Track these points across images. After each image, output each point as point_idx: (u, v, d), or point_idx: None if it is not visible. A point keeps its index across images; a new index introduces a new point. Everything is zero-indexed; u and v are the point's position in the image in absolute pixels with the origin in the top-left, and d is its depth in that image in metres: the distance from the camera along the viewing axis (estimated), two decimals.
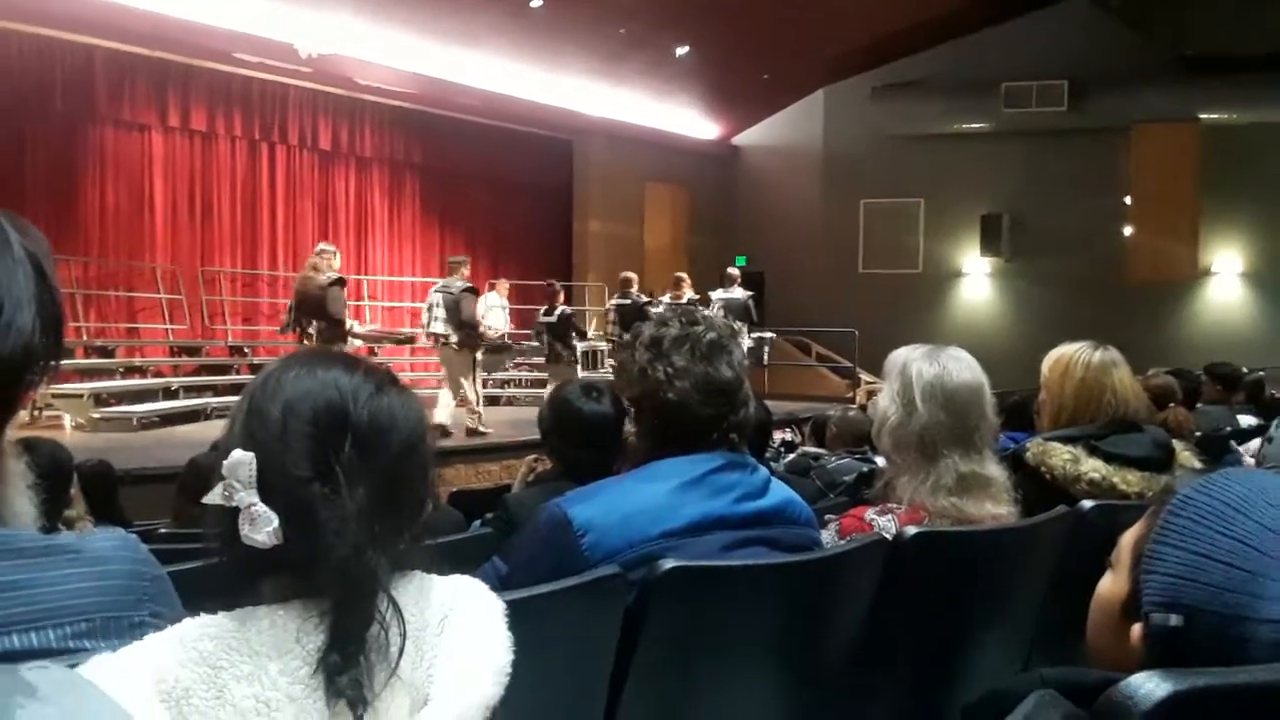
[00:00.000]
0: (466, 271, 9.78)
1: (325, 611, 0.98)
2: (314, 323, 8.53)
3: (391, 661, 0.97)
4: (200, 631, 0.97)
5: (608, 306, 11.59)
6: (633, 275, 11.40)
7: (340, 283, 8.68)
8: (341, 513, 0.99)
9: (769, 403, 5.13)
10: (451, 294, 9.36)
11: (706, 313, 1.87)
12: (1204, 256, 15.27)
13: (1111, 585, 1.04)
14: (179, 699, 0.93)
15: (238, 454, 0.99)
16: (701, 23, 12.99)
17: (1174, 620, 0.90)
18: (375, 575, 0.99)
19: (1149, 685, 0.79)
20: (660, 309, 10.01)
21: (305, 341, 8.49)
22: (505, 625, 1.04)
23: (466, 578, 1.09)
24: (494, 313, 13.83)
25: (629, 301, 10.77)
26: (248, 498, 0.98)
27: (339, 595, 0.97)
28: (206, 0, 10.31)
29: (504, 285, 14.06)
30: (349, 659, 0.95)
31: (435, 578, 1.07)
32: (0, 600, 0.92)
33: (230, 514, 0.99)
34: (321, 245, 9.26)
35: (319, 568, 0.97)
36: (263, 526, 0.97)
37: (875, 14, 13.89)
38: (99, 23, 10.02)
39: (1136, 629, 0.95)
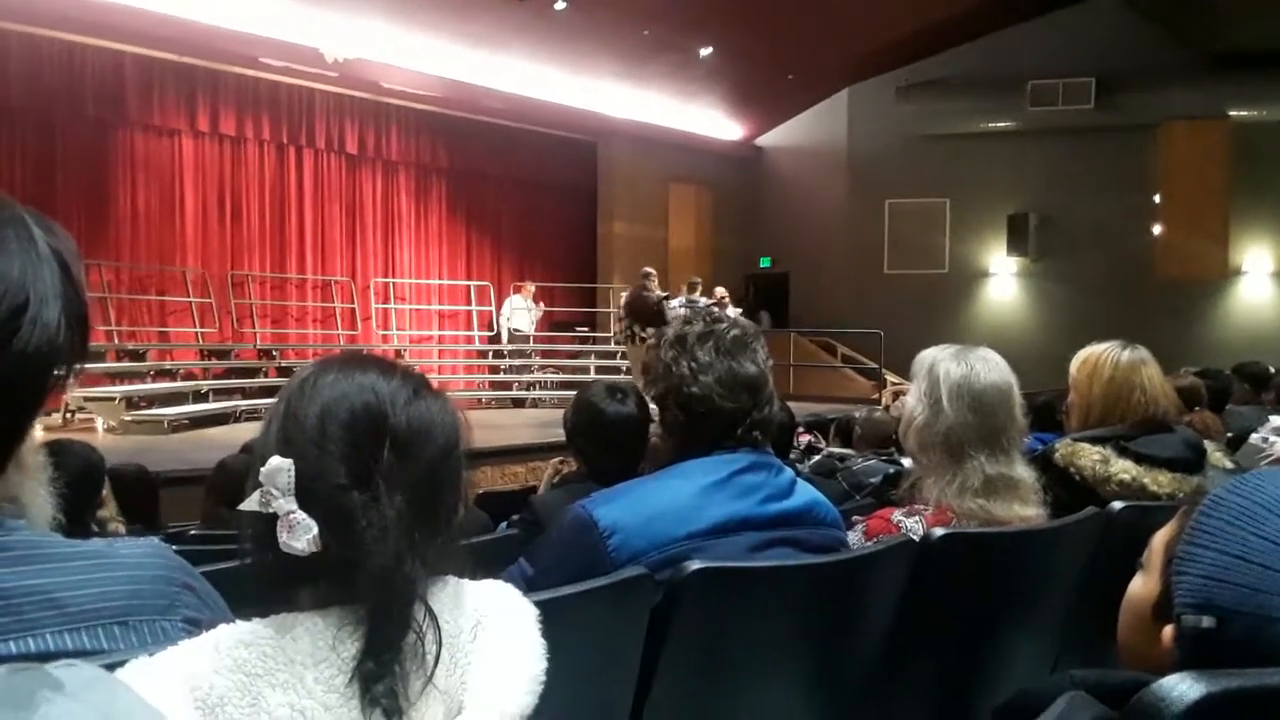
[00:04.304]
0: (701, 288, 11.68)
1: (362, 619, 0.97)
2: (645, 329, 9.85)
3: (427, 670, 0.97)
4: (236, 638, 0.96)
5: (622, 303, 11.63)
6: (651, 270, 11.39)
7: (667, 298, 10.65)
8: (382, 520, 0.98)
9: (793, 404, 5.11)
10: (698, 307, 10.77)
11: (730, 314, 1.89)
12: (1234, 255, 15.08)
13: (1142, 586, 1.03)
14: (214, 706, 0.92)
15: (275, 460, 0.98)
16: (725, 24, 12.97)
17: (1206, 622, 0.89)
18: (414, 583, 0.98)
19: (1182, 687, 0.79)
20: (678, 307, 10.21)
21: (636, 344, 9.97)
22: (539, 632, 1.03)
23: (499, 583, 1.08)
24: (519, 314, 13.91)
25: (642, 297, 10.86)
26: (286, 505, 0.97)
27: (378, 603, 0.96)
28: (234, 6, 10.41)
29: (530, 288, 14.13)
30: (384, 667, 0.95)
31: (468, 583, 1.06)
32: (31, 602, 0.92)
33: (268, 520, 0.97)
34: (646, 269, 10.92)
35: (359, 575, 0.96)
36: (302, 534, 0.96)
37: (899, 13, 13.82)
38: (128, 29, 10.13)
39: (1168, 631, 0.94)
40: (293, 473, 0.98)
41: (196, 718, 0.92)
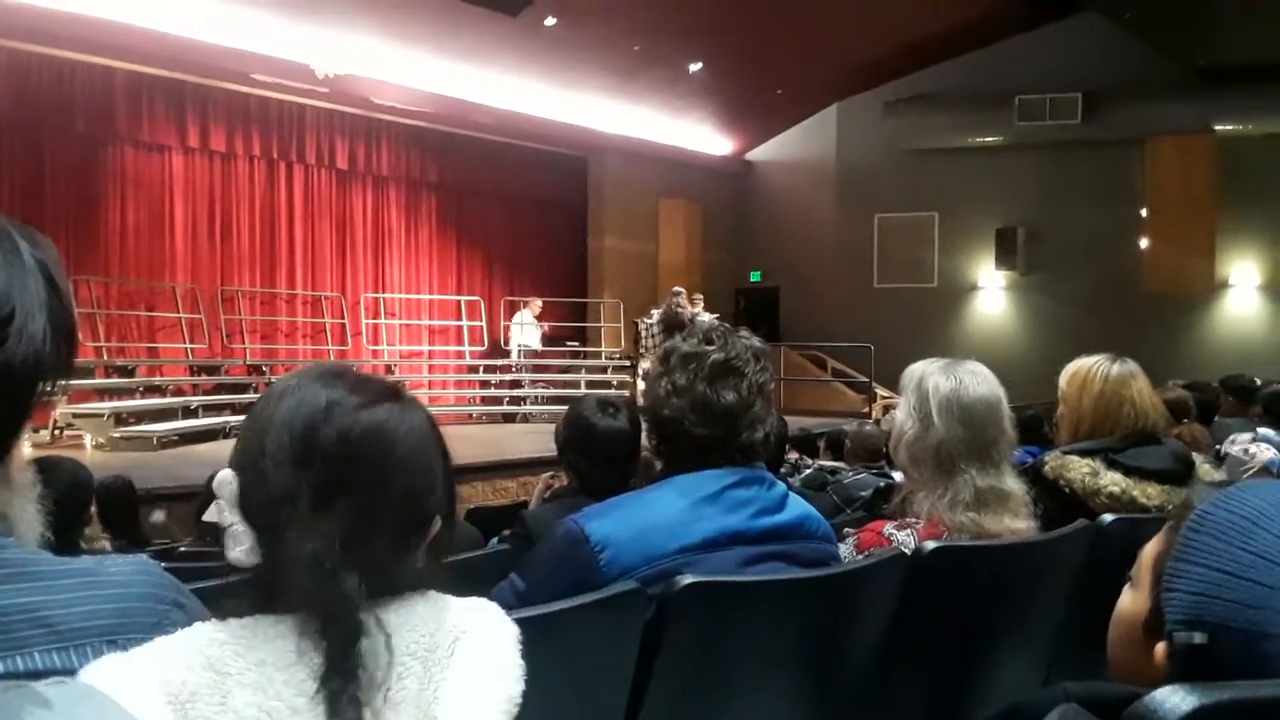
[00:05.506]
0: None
1: (318, 630, 0.97)
2: None
3: (390, 683, 0.96)
4: (209, 637, 0.97)
5: (651, 321, 11.99)
6: (681, 289, 11.91)
7: (697, 315, 11.09)
8: (310, 534, 0.98)
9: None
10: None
11: (739, 333, 1.84)
12: (1221, 269, 15.14)
13: (1132, 602, 1.03)
14: (185, 702, 0.93)
15: (224, 473, 1.03)
16: (714, 39, 13.03)
17: (1198, 638, 0.89)
18: (349, 598, 0.97)
19: (1174, 699, 0.79)
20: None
21: None
22: (518, 653, 1.02)
23: (482, 601, 1.08)
24: (525, 329, 13.90)
25: (675, 313, 11.21)
26: (229, 516, 1.01)
27: (316, 616, 0.96)
28: (224, 22, 10.40)
29: (536, 303, 14.10)
30: (348, 678, 0.94)
31: (451, 599, 1.05)
32: (20, 621, 0.92)
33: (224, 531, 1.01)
34: (677, 288, 11.70)
35: (287, 588, 0.97)
36: (236, 545, 1.00)
37: (887, 28, 13.90)
38: (118, 45, 10.11)
39: (1160, 647, 0.94)
40: (236, 485, 1.02)
41: (169, 714, 0.92)
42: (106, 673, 0.91)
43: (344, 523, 0.99)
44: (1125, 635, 1.03)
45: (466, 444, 9.66)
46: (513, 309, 14.58)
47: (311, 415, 1.03)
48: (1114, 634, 1.06)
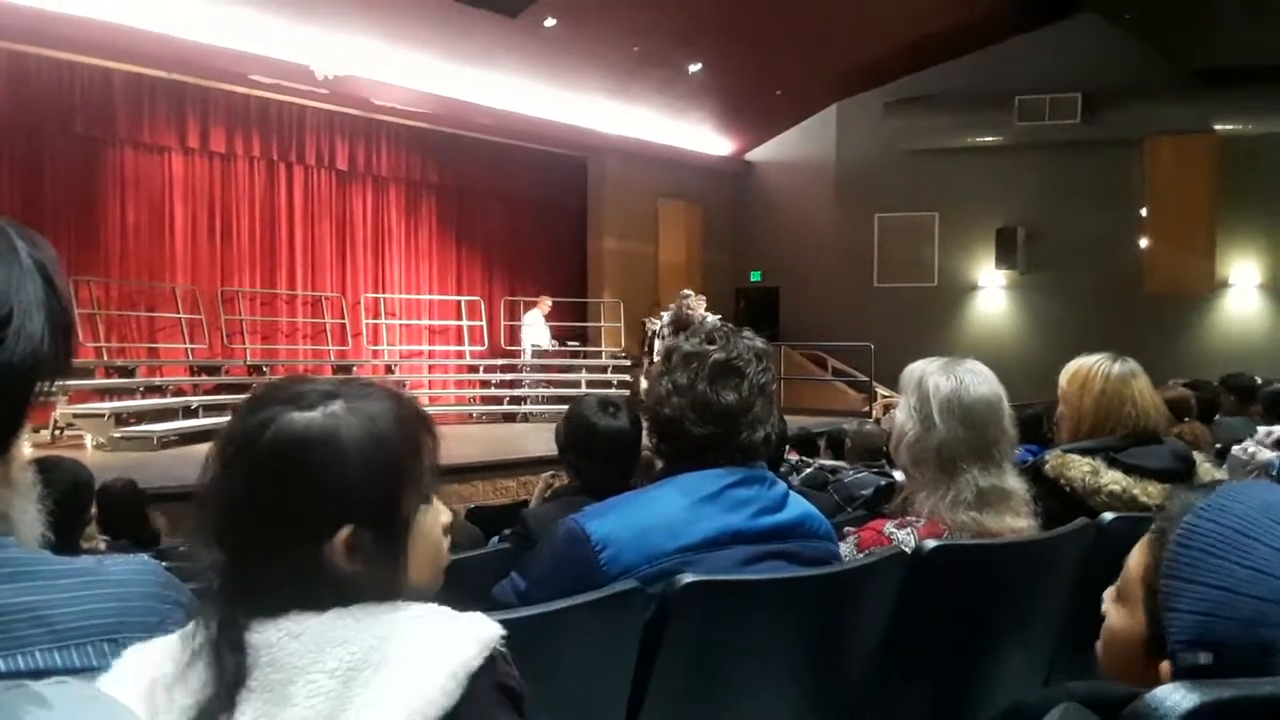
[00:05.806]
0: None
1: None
2: None
3: (295, 700, 0.92)
4: (187, 632, 0.97)
5: (662, 323, 12.07)
6: (689, 291, 12.02)
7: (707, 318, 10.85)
8: (210, 544, 0.99)
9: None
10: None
11: (742, 334, 1.84)
12: (1221, 268, 15.15)
13: (1125, 621, 1.01)
14: (153, 693, 0.94)
15: None
16: (714, 40, 13.03)
17: (1203, 659, 0.89)
18: (204, 608, 0.97)
19: (1175, 697, 0.79)
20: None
21: None
22: (454, 681, 0.93)
23: (450, 617, 0.98)
24: (535, 329, 13.90)
25: (685, 315, 11.33)
26: None
27: (207, 620, 0.96)
28: (223, 23, 10.40)
29: (546, 303, 14.08)
30: (225, 691, 0.93)
31: (414, 612, 0.98)
32: (20, 620, 0.92)
33: None
34: (685, 290, 11.99)
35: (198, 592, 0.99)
36: None
37: (887, 29, 13.91)
38: (117, 46, 10.10)
39: (1165, 667, 0.93)
40: None
41: (142, 699, 0.93)
42: (126, 665, 0.93)
43: (209, 532, 0.99)
44: (1123, 653, 1.01)
45: (467, 443, 9.66)
46: (513, 309, 14.58)
47: (235, 419, 1.03)
48: (1108, 651, 1.04)
